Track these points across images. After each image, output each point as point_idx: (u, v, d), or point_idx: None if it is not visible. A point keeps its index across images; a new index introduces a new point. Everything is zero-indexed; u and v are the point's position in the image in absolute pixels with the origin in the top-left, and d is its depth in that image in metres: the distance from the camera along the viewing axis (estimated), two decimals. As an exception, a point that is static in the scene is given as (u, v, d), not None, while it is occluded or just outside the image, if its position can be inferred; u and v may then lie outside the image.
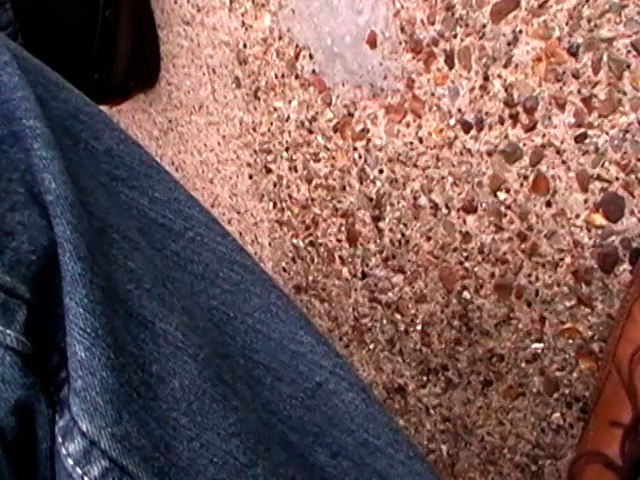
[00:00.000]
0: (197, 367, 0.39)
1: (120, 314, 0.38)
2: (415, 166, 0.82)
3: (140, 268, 0.41)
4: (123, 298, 0.39)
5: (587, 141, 0.67)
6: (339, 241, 0.95)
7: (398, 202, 0.85)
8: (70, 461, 0.35)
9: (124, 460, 0.35)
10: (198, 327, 0.42)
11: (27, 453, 0.37)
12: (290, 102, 0.95)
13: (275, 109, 0.98)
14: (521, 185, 0.73)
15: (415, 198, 0.83)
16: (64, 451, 0.35)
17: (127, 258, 0.41)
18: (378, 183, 0.87)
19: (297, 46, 0.92)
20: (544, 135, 0.70)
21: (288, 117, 0.96)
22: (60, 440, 0.35)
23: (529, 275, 0.75)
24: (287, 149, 0.98)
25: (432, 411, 0.90)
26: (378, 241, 0.89)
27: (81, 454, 0.34)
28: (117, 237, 0.41)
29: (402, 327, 0.90)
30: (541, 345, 0.76)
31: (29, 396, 0.36)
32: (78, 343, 0.35)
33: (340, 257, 0.95)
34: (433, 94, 0.78)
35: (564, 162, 0.69)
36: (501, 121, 0.73)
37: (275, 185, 1.02)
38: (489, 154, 0.75)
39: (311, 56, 0.91)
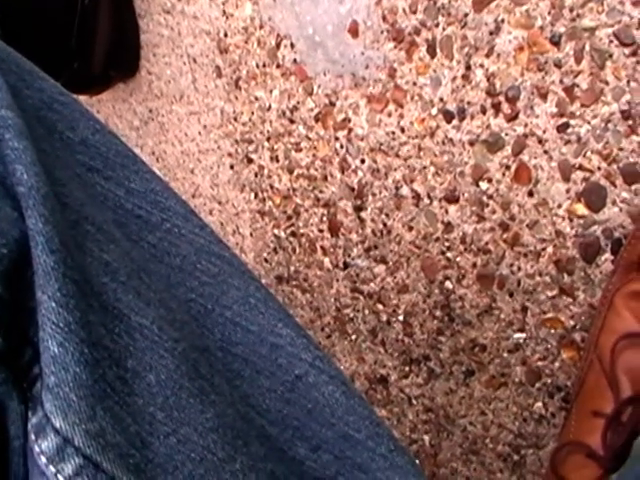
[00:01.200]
0: (174, 361, 0.39)
1: (95, 308, 0.37)
2: (397, 156, 0.82)
3: (115, 260, 0.40)
4: (98, 291, 0.38)
5: (569, 131, 0.67)
6: (321, 231, 0.94)
7: (380, 192, 0.85)
8: (43, 459, 0.34)
9: (98, 457, 0.34)
10: (175, 320, 0.41)
11: None
12: (271, 91, 0.95)
13: (256, 98, 0.97)
14: (503, 175, 0.73)
15: (397, 188, 0.83)
16: (37, 449, 0.34)
17: (102, 250, 0.40)
18: (360, 173, 0.87)
19: (278, 35, 0.91)
20: (526, 125, 0.70)
21: (269, 107, 0.96)
22: (33, 437, 0.35)
23: (511, 265, 0.75)
24: (268, 139, 0.98)
25: (414, 401, 0.90)
26: (360, 231, 0.89)
27: (54, 451, 0.34)
28: (92, 229, 0.41)
29: (384, 317, 0.90)
30: (523, 335, 0.76)
31: (1, 393, 0.35)
32: (51, 338, 0.34)
33: (322, 247, 0.95)
34: (415, 83, 0.78)
35: (546, 152, 0.69)
36: (483, 111, 0.73)
37: (256, 175, 1.02)
38: (471, 144, 0.74)
39: (292, 45, 0.90)
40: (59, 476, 0.34)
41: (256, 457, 0.40)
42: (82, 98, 1.32)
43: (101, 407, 0.35)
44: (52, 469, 0.34)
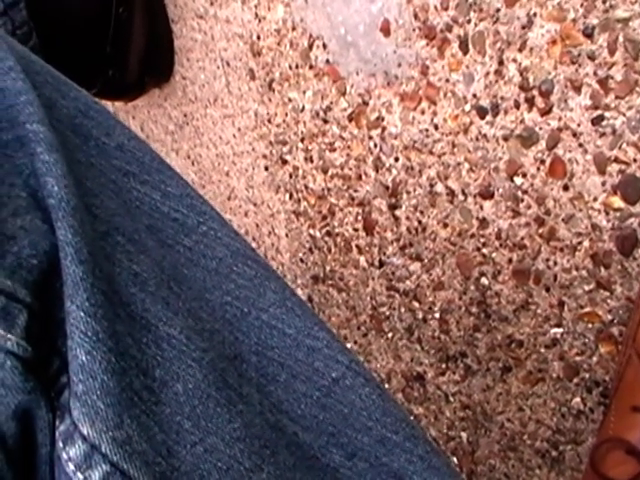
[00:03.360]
0: (201, 371, 0.39)
1: (122, 317, 0.38)
2: (431, 153, 0.82)
3: (145, 271, 0.41)
4: (126, 301, 0.39)
5: (604, 123, 0.67)
6: (356, 230, 0.95)
7: (414, 190, 0.85)
8: (71, 466, 0.34)
9: (125, 464, 0.34)
10: (204, 330, 0.42)
11: (27, 458, 0.37)
12: (305, 92, 0.95)
13: (290, 100, 0.98)
14: (538, 169, 0.72)
15: (431, 185, 0.83)
16: (65, 456, 0.35)
17: (132, 261, 0.41)
18: (394, 171, 0.87)
19: (311, 36, 0.92)
20: (560, 118, 0.70)
21: (303, 107, 0.96)
22: (61, 445, 0.35)
23: (547, 260, 0.74)
24: (302, 140, 0.98)
25: (451, 398, 0.90)
26: (395, 229, 0.89)
27: (82, 458, 0.34)
28: (122, 240, 0.41)
29: (420, 315, 0.90)
30: (560, 330, 0.75)
31: (30, 401, 0.36)
32: (79, 347, 0.35)
33: (357, 246, 0.95)
34: (448, 80, 0.78)
35: (581, 145, 0.69)
36: (517, 105, 0.73)
37: (291, 176, 1.02)
38: (505, 139, 0.74)
39: (325, 46, 0.90)
40: None
41: (284, 467, 0.40)
42: (118, 104, 1.33)
43: (128, 415, 0.35)
44: (80, 476, 0.34)
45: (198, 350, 0.40)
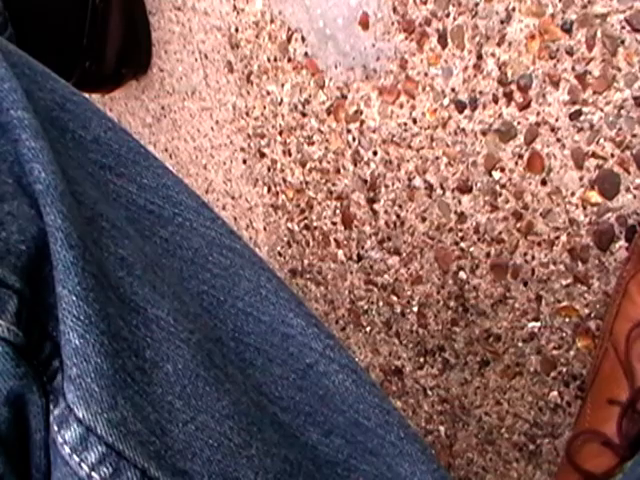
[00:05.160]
0: (190, 351, 0.40)
1: (113, 301, 0.38)
2: (409, 147, 0.82)
3: (130, 255, 0.41)
4: (115, 285, 0.39)
5: (582, 118, 0.67)
6: (334, 224, 0.95)
7: (393, 184, 0.85)
8: (67, 449, 0.35)
9: (120, 445, 0.35)
10: (189, 312, 0.42)
11: (20, 443, 0.37)
12: (283, 85, 0.95)
13: (268, 93, 0.98)
14: (516, 164, 0.73)
15: (410, 179, 0.83)
16: (60, 439, 0.35)
17: (117, 246, 0.41)
18: (372, 165, 0.87)
19: (289, 29, 0.91)
20: (538, 113, 0.70)
21: (281, 101, 0.96)
22: (56, 429, 0.36)
23: (525, 254, 0.75)
24: (281, 133, 0.98)
25: (429, 392, 0.90)
26: (373, 223, 0.89)
27: (77, 441, 0.35)
28: (107, 225, 0.42)
29: (398, 309, 0.90)
30: (538, 324, 0.76)
31: (22, 386, 0.36)
32: (72, 330, 0.35)
33: (335, 240, 0.95)
34: (426, 74, 0.78)
35: (559, 140, 0.69)
36: (495, 100, 0.73)
37: (269, 169, 1.02)
38: (483, 133, 0.74)
39: (303, 39, 0.90)
40: (83, 465, 0.35)
41: (270, 443, 0.41)
42: (94, 96, 1.32)
43: (122, 396, 0.36)
44: (76, 458, 0.35)
45: (185, 331, 0.40)
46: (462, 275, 0.81)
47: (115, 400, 0.35)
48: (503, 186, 0.74)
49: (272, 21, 0.93)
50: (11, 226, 0.37)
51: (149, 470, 0.35)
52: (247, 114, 1.02)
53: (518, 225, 0.74)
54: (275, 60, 0.95)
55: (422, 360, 0.89)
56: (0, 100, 0.41)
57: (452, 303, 0.83)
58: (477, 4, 0.71)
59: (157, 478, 0.35)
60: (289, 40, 0.92)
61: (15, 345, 0.36)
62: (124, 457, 0.35)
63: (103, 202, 0.43)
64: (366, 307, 0.94)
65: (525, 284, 0.75)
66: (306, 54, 0.90)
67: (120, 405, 0.35)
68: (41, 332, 0.37)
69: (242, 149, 1.06)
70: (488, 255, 0.78)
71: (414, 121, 0.81)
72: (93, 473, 0.35)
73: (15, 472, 0.36)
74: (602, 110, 0.65)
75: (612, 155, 0.65)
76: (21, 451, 0.37)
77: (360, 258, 0.92)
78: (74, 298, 0.36)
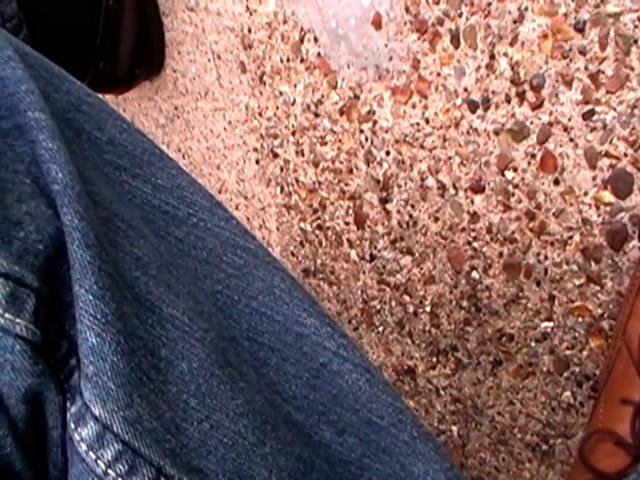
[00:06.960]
0: (204, 350, 0.40)
1: (128, 300, 0.39)
2: (422, 147, 0.82)
3: (146, 255, 0.42)
4: (131, 284, 0.40)
5: (595, 118, 0.67)
6: (347, 224, 0.95)
7: (405, 183, 0.85)
8: (83, 446, 0.35)
9: (136, 442, 0.35)
10: (203, 312, 0.43)
11: (38, 441, 0.37)
12: (296, 86, 0.95)
13: (281, 93, 0.98)
14: (529, 164, 0.73)
15: (422, 179, 0.83)
16: (77, 437, 0.36)
17: (133, 245, 0.42)
18: (385, 165, 0.87)
19: (302, 29, 0.92)
20: (551, 113, 0.70)
21: (294, 101, 0.96)
22: (73, 426, 0.36)
23: (538, 254, 0.75)
24: (293, 133, 0.98)
25: (442, 392, 0.90)
26: (386, 223, 0.89)
27: (94, 438, 0.35)
28: (122, 225, 0.42)
29: (411, 309, 0.90)
30: (551, 324, 0.76)
31: (39, 384, 0.36)
32: (88, 329, 0.36)
33: (348, 240, 0.95)
34: (439, 74, 0.78)
35: (572, 139, 0.69)
36: (508, 100, 0.73)
37: (282, 169, 1.02)
38: (496, 133, 0.74)
39: (316, 39, 0.90)
40: (99, 462, 0.35)
41: (284, 441, 0.41)
42: (108, 97, 1.33)
43: (138, 395, 0.36)
44: (92, 455, 0.35)
45: (200, 330, 0.41)
46: (475, 275, 0.81)
47: (131, 398, 0.36)
48: (516, 186, 0.74)
49: (285, 22, 0.94)
50: (29, 226, 0.38)
51: (164, 468, 0.36)
52: (260, 114, 1.03)
53: (531, 225, 0.74)
54: (288, 60, 0.95)
55: (435, 360, 0.89)
56: (17, 102, 0.42)
57: (465, 303, 0.83)
58: (490, 4, 0.71)
59: (172, 476, 0.36)
60: (302, 40, 0.92)
61: (33, 343, 0.36)
62: (140, 455, 0.35)
63: (118, 202, 0.43)
64: (379, 307, 0.94)
65: (538, 284, 0.75)
66: (319, 54, 0.91)
67: (136, 403, 0.36)
68: (58, 331, 0.38)
69: (255, 149, 1.06)
70: (501, 255, 0.78)
71: (427, 121, 0.81)
72: (109, 470, 0.35)
73: (32, 469, 0.37)
74: (615, 109, 0.65)
75: (625, 154, 0.65)
76: (38, 448, 0.37)
77: (373, 258, 0.93)
78: (91, 297, 0.36)
